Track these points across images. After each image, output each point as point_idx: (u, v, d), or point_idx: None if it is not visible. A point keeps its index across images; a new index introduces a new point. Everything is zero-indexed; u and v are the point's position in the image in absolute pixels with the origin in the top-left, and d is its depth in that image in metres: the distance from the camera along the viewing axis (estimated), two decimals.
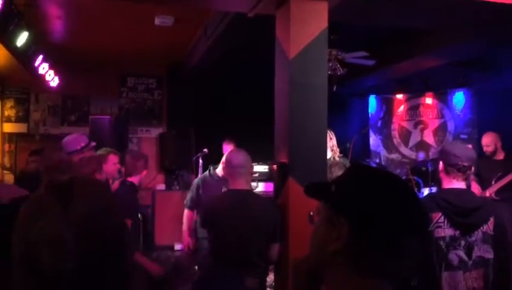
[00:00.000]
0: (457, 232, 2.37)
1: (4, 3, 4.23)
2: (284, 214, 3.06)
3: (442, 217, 2.40)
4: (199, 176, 5.23)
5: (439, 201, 2.44)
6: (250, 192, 3.07)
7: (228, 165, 3.04)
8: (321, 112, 3.18)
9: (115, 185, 4.14)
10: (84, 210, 1.00)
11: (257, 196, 3.18)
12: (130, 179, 3.87)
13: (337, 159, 4.94)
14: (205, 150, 5.92)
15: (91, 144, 3.92)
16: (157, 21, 5.65)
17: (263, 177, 6.01)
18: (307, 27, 3.18)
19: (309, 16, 3.19)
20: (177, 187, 7.30)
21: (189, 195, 4.77)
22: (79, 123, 8.07)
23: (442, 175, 2.57)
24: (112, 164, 3.96)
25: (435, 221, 2.41)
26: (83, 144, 3.81)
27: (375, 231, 0.96)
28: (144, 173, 3.98)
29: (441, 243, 2.39)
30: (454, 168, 2.45)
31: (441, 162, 2.59)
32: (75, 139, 3.86)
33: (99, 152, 4.66)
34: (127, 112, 8.28)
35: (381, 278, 0.96)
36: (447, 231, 2.40)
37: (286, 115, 3.18)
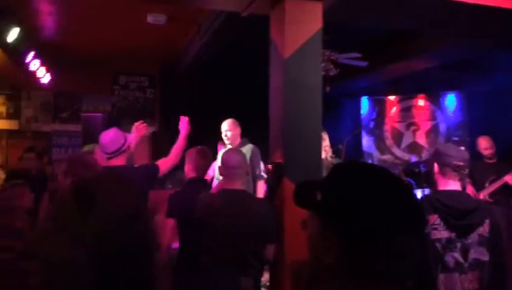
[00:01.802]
0: (453, 234, 2.36)
1: None
2: (279, 215, 3.04)
3: (439, 219, 2.40)
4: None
5: (435, 203, 2.44)
6: (245, 192, 3.04)
7: (224, 166, 3.01)
8: (316, 112, 3.17)
9: None
10: (106, 217, 0.94)
11: (252, 196, 3.16)
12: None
13: (329, 159, 4.95)
14: None
15: (128, 140, 3.52)
16: (149, 19, 5.61)
17: None
18: (301, 27, 3.16)
19: (304, 16, 3.18)
20: (170, 186, 7.26)
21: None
22: (71, 120, 8.02)
23: (437, 176, 2.56)
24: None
25: (431, 223, 2.41)
26: (122, 141, 3.41)
27: (367, 236, 0.92)
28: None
29: (437, 245, 2.39)
30: (449, 167, 2.45)
31: (435, 164, 2.58)
32: (114, 137, 3.43)
33: (86, 148, 4.54)
34: (119, 111, 8.22)
35: (378, 283, 0.93)
36: (443, 233, 2.39)
37: (281, 114, 3.16)
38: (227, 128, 4.83)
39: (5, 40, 5.12)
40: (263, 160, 5.40)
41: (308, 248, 1.02)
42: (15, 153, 7.09)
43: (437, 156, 2.60)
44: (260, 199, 3.41)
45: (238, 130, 4.87)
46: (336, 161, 5.16)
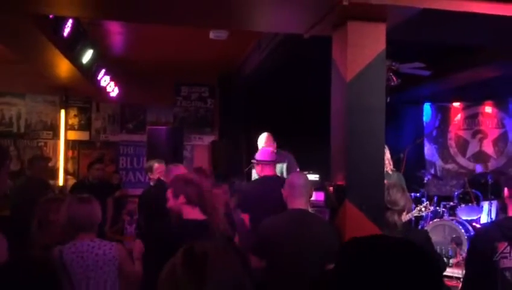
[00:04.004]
0: None
1: (73, 25, 4.49)
2: (340, 237, 3.06)
3: (508, 247, 2.34)
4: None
5: (505, 230, 2.38)
6: (308, 212, 3.10)
7: (289, 186, 3.10)
8: (379, 134, 3.16)
9: None
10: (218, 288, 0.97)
11: (315, 216, 3.22)
12: None
13: (390, 173, 4.87)
14: None
15: (277, 158, 4.50)
16: (212, 35, 5.79)
17: (314, 186, 6.03)
18: (364, 49, 3.16)
19: (366, 38, 3.17)
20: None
21: None
22: (136, 131, 8.43)
23: (507, 201, 2.51)
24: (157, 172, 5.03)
25: (500, 251, 2.35)
26: (274, 157, 4.37)
27: None
28: None
29: (507, 273, 2.34)
30: None
31: (505, 189, 2.52)
32: (272, 152, 4.48)
33: (153, 163, 5.18)
34: (181, 121, 8.52)
35: None
36: None
37: (343, 137, 3.18)
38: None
39: (80, 61, 5.48)
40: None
41: None
42: (85, 162, 7.54)
43: (508, 181, 2.54)
44: (323, 219, 3.45)
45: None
46: (397, 175, 5.08)
